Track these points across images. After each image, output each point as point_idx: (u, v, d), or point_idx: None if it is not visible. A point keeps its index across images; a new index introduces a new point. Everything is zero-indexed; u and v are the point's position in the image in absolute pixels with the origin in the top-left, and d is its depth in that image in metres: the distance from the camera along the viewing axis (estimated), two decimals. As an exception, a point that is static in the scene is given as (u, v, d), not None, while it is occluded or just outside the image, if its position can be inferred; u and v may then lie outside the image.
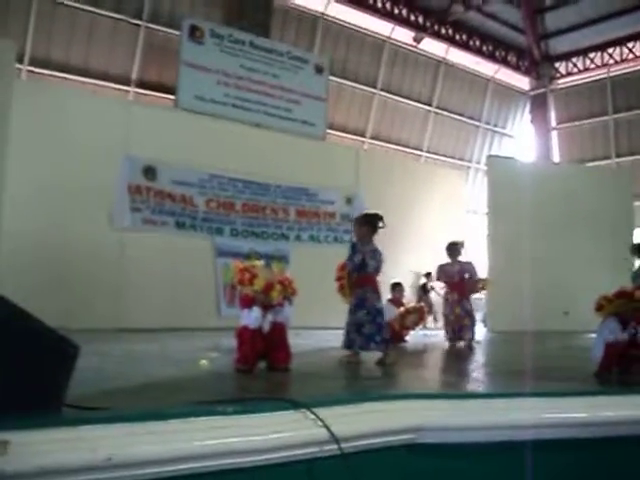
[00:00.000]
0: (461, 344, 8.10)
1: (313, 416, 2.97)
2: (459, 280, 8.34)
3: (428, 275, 13.04)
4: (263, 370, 5.00)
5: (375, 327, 5.87)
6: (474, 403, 3.52)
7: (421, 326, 9.47)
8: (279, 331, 5.08)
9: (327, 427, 2.95)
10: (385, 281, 10.03)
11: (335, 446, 2.95)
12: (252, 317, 4.98)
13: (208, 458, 2.64)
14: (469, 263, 8.57)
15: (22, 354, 2.59)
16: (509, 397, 3.57)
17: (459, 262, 8.46)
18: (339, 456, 2.98)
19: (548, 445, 3.43)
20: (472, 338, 8.18)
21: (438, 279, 8.91)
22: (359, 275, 6.05)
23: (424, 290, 14.01)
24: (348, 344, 5.98)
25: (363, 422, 3.14)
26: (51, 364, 2.68)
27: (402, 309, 9.00)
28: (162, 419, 2.65)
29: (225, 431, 2.71)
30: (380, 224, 6.13)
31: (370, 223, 6.13)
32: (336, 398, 3.36)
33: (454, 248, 8.61)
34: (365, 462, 3.12)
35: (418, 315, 9.17)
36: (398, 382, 4.93)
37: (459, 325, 8.12)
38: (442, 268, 8.54)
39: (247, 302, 5.08)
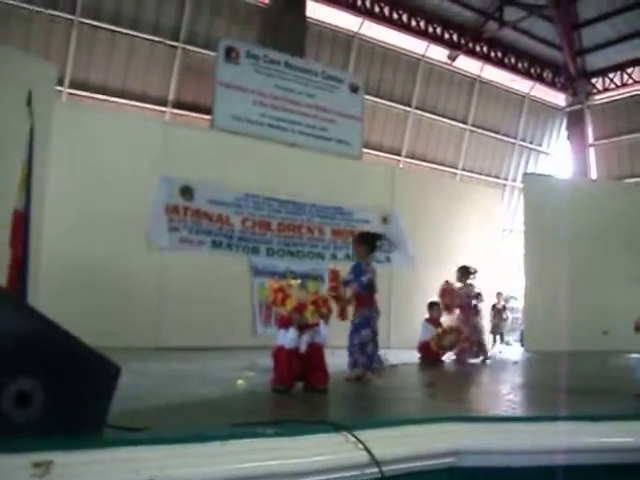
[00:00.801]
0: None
1: (354, 439, 2.94)
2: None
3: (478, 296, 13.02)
4: (300, 391, 4.97)
5: (375, 347, 6.13)
6: (515, 426, 3.45)
7: (458, 347, 9.32)
8: (316, 352, 5.06)
9: (368, 450, 2.91)
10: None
11: (376, 469, 2.91)
12: (288, 337, 4.97)
13: (250, 481, 2.63)
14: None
15: (64, 374, 2.61)
16: (551, 420, 3.49)
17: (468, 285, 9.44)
18: (379, 479, 2.94)
19: (591, 470, 3.35)
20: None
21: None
22: (366, 295, 6.16)
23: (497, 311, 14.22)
24: (354, 364, 6.05)
25: (404, 445, 3.09)
26: (92, 384, 2.70)
27: (439, 329, 8.92)
28: (202, 441, 2.64)
29: (265, 454, 2.68)
30: (378, 243, 6.39)
31: (369, 242, 6.36)
32: (377, 421, 3.33)
33: (465, 271, 9.53)
34: (406, 485, 3.08)
35: (455, 336, 9.05)
36: (437, 403, 4.86)
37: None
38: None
39: (284, 322, 5.08)
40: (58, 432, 2.47)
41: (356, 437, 2.94)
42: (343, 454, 2.88)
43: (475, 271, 9.71)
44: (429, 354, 8.84)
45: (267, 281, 6.94)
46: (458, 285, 9.59)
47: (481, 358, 9.17)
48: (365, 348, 5.97)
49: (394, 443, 3.07)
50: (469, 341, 9.14)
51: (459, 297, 9.41)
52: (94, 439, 2.55)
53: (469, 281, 9.62)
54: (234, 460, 2.59)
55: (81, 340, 2.72)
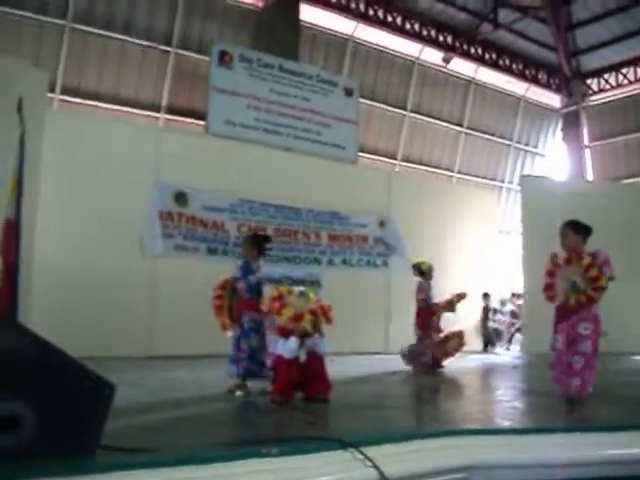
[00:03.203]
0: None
1: (362, 456, 2.80)
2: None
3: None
4: (300, 401, 4.84)
5: (266, 355, 5.42)
6: (529, 438, 3.31)
7: (461, 351, 9.20)
8: (316, 361, 4.94)
9: (377, 467, 2.78)
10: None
11: (386, 487, 2.78)
12: (288, 347, 4.85)
13: (253, 503, 2.49)
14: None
15: (56, 395, 2.48)
16: (568, 432, 3.35)
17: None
18: (390, 498, 2.80)
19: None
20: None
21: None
22: (253, 298, 5.63)
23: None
24: (244, 373, 5.43)
25: (414, 461, 2.97)
26: (86, 404, 2.56)
27: (442, 335, 8.77)
28: (204, 463, 2.50)
29: (270, 475, 2.55)
30: (268, 246, 6.17)
31: (259, 244, 6.06)
32: (385, 436, 3.17)
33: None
34: (417, 503, 2.94)
35: (458, 340, 8.92)
36: (446, 415, 4.71)
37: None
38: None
39: (285, 331, 4.94)
40: (51, 457, 2.32)
41: (364, 454, 2.81)
42: (351, 472, 2.76)
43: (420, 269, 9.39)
44: (432, 361, 8.68)
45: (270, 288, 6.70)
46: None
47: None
48: (255, 355, 5.44)
49: (403, 459, 2.94)
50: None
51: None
52: (89, 464, 2.40)
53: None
54: (239, 483, 2.45)
55: (74, 358, 2.58)
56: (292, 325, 4.92)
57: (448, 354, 8.85)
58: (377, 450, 2.88)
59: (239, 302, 5.66)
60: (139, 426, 3.55)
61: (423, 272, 9.16)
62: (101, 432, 2.59)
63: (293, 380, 4.86)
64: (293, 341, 4.85)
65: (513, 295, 14.47)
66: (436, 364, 8.56)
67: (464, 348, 9.18)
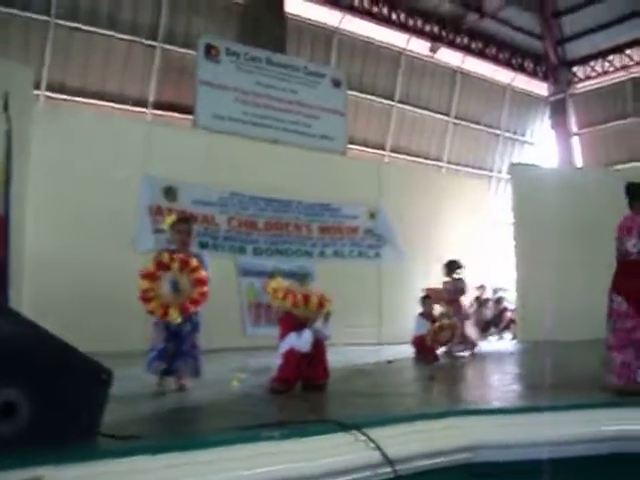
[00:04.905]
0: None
1: (364, 437, 2.77)
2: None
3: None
4: (298, 389, 4.81)
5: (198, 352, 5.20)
6: (532, 417, 3.29)
7: (452, 342, 9.24)
8: (318, 347, 4.91)
9: (380, 449, 2.74)
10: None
11: (389, 469, 2.75)
12: (303, 340, 4.81)
13: (256, 488, 2.45)
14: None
15: (52, 381, 2.43)
16: (571, 409, 3.33)
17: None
18: (393, 479, 2.77)
19: (610, 459, 3.20)
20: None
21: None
22: (203, 291, 5.10)
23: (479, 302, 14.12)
24: (170, 370, 5.01)
25: (417, 442, 2.94)
26: (83, 391, 2.51)
27: (436, 325, 8.76)
28: (205, 447, 2.46)
29: (273, 458, 2.51)
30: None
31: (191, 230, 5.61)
32: (387, 417, 3.15)
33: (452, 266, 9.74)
34: (421, 484, 2.91)
35: (451, 332, 8.93)
36: (442, 397, 4.69)
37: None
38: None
39: (297, 324, 4.90)
40: (48, 444, 2.27)
41: (367, 435, 2.78)
42: (354, 454, 2.72)
43: (460, 265, 9.79)
44: (424, 349, 8.69)
45: (265, 281, 6.56)
46: (445, 280, 9.80)
47: (469, 351, 9.30)
48: (194, 352, 5.12)
49: (407, 440, 2.91)
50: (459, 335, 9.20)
51: (447, 292, 9.66)
52: (87, 451, 2.36)
53: (456, 275, 9.78)
54: (240, 466, 2.41)
55: (69, 344, 2.53)
56: (302, 309, 4.88)
57: (440, 344, 8.86)
58: (379, 432, 2.84)
59: (202, 294, 5.07)
60: (138, 416, 3.51)
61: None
62: (100, 418, 2.54)
63: (300, 371, 4.84)
64: (308, 334, 4.82)
65: (481, 287, 14.48)
66: (429, 354, 8.56)
67: (455, 340, 9.25)
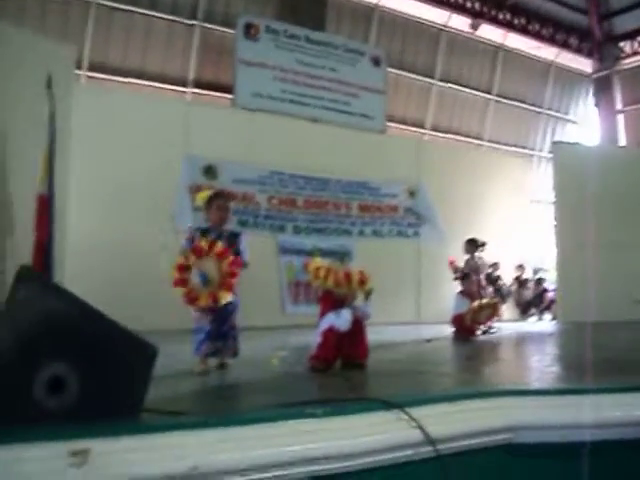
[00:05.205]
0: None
1: (406, 416, 2.77)
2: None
3: (494, 265, 12.70)
4: (337, 367, 4.83)
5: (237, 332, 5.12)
6: (575, 399, 3.25)
7: (493, 320, 9.19)
8: (358, 326, 4.91)
9: (422, 428, 2.75)
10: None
11: (430, 448, 2.76)
12: (342, 319, 4.81)
13: (298, 464, 2.47)
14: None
15: (98, 357, 2.47)
16: (616, 392, 3.29)
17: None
18: (434, 458, 2.77)
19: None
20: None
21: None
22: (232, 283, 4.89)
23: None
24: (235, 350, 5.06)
25: (459, 422, 2.93)
26: (129, 367, 2.55)
27: (476, 304, 8.70)
28: (248, 424, 2.48)
29: (315, 435, 2.53)
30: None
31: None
32: (429, 397, 3.15)
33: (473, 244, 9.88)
34: (461, 464, 2.91)
35: (492, 310, 8.88)
36: (486, 378, 4.66)
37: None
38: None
39: (335, 303, 4.91)
40: (94, 418, 2.32)
41: (409, 414, 2.78)
42: (396, 433, 2.73)
43: (483, 244, 9.81)
44: (463, 328, 8.65)
45: (305, 260, 6.54)
46: (466, 257, 9.94)
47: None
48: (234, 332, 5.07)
49: (448, 420, 2.91)
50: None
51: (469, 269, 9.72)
52: (133, 425, 2.40)
53: (477, 254, 9.94)
54: (283, 442, 2.44)
55: (115, 321, 2.57)
56: (345, 288, 4.88)
57: (480, 322, 8.81)
58: (421, 411, 2.84)
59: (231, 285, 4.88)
60: (180, 393, 3.56)
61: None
62: (145, 394, 2.58)
63: (339, 350, 4.86)
64: (347, 312, 4.82)
65: (520, 266, 14.37)
66: (468, 332, 8.53)
67: (496, 319, 9.21)
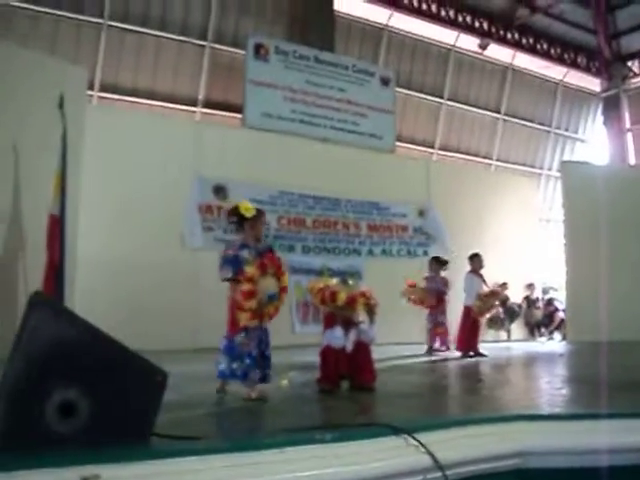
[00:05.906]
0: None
1: (415, 442, 2.77)
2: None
3: (503, 285, 12.68)
4: (346, 391, 4.83)
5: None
6: (585, 424, 3.24)
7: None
8: (363, 351, 4.92)
9: (431, 453, 2.75)
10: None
11: (439, 474, 2.75)
12: (335, 336, 4.83)
13: (307, 490, 2.47)
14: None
15: (109, 382, 2.49)
16: (628, 417, 3.27)
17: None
18: (444, 484, 2.77)
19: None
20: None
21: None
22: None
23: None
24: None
25: (468, 447, 2.92)
26: (139, 392, 2.57)
27: (483, 293, 8.82)
28: (259, 449, 2.49)
29: (324, 461, 2.53)
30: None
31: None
32: (437, 422, 3.15)
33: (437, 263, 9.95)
34: (471, 490, 2.90)
35: (494, 299, 9.10)
36: (494, 402, 4.63)
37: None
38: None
39: (329, 321, 4.93)
40: (105, 443, 2.33)
41: (417, 440, 2.78)
42: (405, 458, 2.73)
43: (446, 262, 9.97)
44: (467, 346, 8.79)
45: (310, 280, 6.54)
46: (429, 275, 10.00)
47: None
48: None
49: (457, 445, 2.91)
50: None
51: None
52: (143, 451, 2.41)
53: (442, 272, 9.96)
54: (294, 468, 2.44)
55: (125, 346, 2.59)
56: (347, 311, 4.89)
57: (486, 312, 9.23)
58: (430, 436, 2.84)
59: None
60: (189, 416, 3.56)
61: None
62: (154, 419, 2.60)
63: (340, 369, 4.86)
64: (339, 330, 4.84)
65: (530, 285, 14.35)
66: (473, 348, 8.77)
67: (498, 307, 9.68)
